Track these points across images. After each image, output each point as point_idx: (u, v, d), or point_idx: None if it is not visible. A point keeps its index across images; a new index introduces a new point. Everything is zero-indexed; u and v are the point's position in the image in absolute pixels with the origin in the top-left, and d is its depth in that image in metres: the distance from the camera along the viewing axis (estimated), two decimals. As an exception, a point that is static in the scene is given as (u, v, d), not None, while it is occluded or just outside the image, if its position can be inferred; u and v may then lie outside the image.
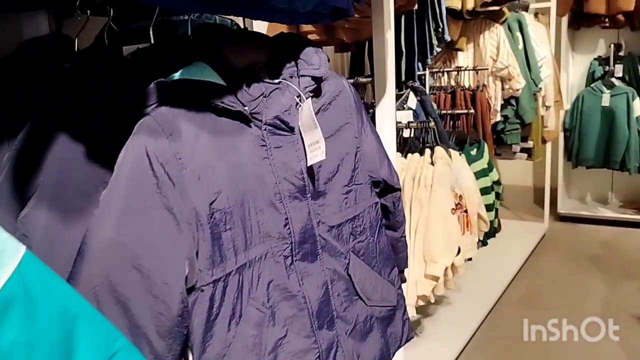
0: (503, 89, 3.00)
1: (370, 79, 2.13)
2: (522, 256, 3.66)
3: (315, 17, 1.11)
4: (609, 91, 4.02)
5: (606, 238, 3.98)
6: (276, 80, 0.99)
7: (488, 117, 2.80)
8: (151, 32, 1.01)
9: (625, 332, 2.40)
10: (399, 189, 1.26)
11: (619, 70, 4.09)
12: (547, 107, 3.72)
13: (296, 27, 2.08)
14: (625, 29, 4.01)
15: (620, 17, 3.82)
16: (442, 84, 2.90)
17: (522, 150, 3.42)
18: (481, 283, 3.19)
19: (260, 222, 0.95)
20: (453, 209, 2.01)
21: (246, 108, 0.93)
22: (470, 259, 2.28)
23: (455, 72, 2.93)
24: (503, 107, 3.05)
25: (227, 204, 0.91)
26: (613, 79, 4.04)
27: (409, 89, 2.24)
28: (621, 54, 4.11)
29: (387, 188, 1.22)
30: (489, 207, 2.52)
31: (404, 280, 1.31)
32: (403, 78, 2.33)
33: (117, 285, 0.82)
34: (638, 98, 3.92)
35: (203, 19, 1.23)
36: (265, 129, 0.96)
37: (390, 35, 1.93)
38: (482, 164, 2.51)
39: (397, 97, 2.24)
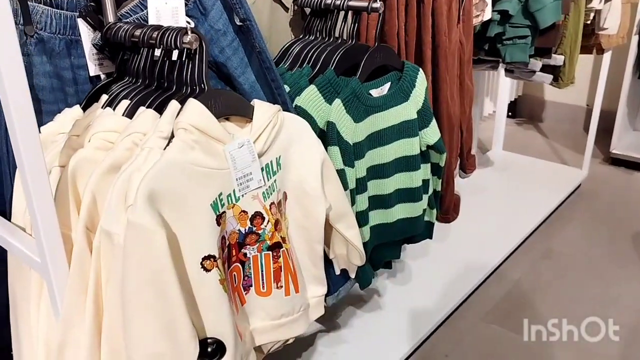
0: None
1: None
2: (532, 222, 2.49)
3: None
4: None
5: (671, 202, 2.72)
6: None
7: (446, 19, 1.43)
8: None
9: None
10: None
11: None
12: (607, -2, 2.29)
13: None
14: None
15: None
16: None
17: (545, 69, 2.10)
18: (448, 273, 2.09)
19: None
20: (209, 257, 0.80)
21: None
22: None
23: None
24: (499, -4, 1.69)
25: None
26: None
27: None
28: None
29: None
30: (415, 194, 1.35)
31: None
32: None
33: None
34: None
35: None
36: None
37: None
38: (406, 112, 1.29)
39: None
